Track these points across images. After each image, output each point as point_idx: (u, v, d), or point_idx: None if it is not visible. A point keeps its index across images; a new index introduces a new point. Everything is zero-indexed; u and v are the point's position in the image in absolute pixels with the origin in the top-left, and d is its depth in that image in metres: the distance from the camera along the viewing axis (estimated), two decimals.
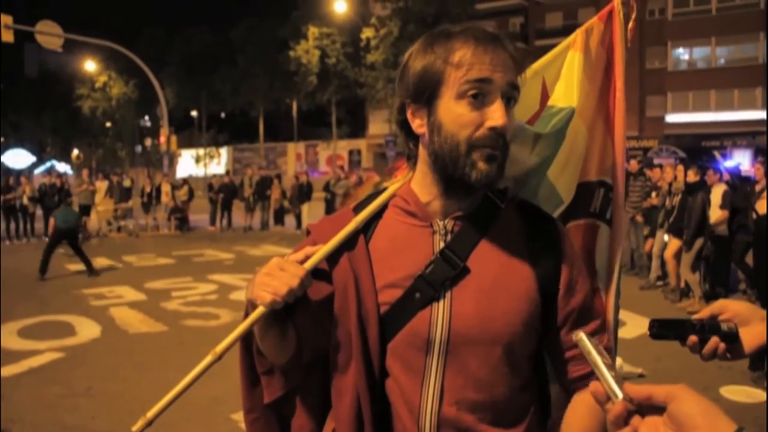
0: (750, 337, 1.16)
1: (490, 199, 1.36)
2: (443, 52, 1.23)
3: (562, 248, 1.37)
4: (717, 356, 1.17)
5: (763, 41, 33.14)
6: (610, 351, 1.74)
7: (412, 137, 1.34)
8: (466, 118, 1.21)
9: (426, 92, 1.25)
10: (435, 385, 1.27)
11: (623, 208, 1.84)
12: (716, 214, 8.79)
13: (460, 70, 1.21)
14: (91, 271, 11.64)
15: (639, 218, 10.86)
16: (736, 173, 10.07)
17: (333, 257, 1.35)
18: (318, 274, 1.33)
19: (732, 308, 1.19)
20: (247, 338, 1.42)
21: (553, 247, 1.36)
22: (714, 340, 1.16)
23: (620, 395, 0.86)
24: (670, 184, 9.91)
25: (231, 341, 1.30)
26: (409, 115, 1.31)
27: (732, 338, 1.16)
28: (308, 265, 1.29)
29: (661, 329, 1.15)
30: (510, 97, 1.25)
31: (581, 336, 0.94)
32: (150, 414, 1.27)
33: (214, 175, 22.27)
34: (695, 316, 1.20)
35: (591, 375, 1.29)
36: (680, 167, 9.91)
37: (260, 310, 1.24)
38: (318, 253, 1.33)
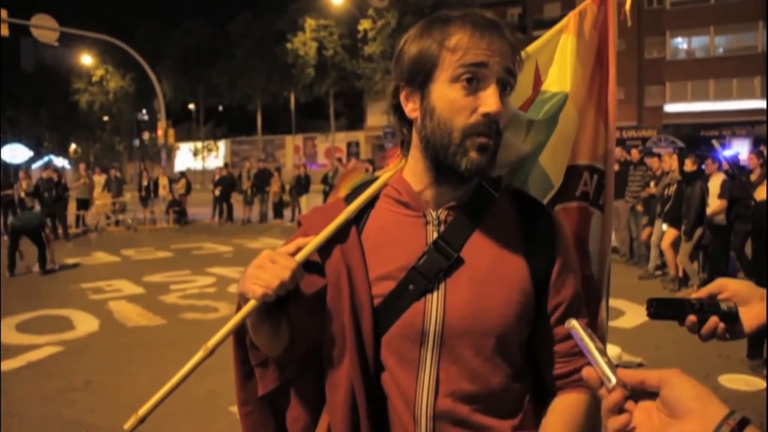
0: (750, 317, 1.14)
1: (484, 189, 1.34)
2: (440, 35, 1.21)
3: (556, 239, 1.36)
4: (716, 336, 1.15)
5: (761, 30, 33.10)
6: (603, 337, 1.75)
7: (406, 122, 1.32)
8: (459, 103, 1.20)
9: (420, 75, 1.23)
10: (430, 377, 1.25)
11: (613, 194, 1.84)
12: (715, 203, 8.77)
13: (456, 54, 1.19)
14: (44, 268, 11.42)
15: (639, 207, 10.85)
16: (734, 162, 10.05)
17: (325, 249, 1.33)
18: (310, 266, 1.31)
19: (732, 287, 1.17)
20: (239, 331, 1.40)
21: (547, 238, 1.35)
22: (713, 319, 1.14)
23: (614, 380, 0.85)
24: (665, 173, 9.93)
25: (223, 336, 1.28)
26: (402, 98, 1.29)
27: (732, 318, 1.14)
28: (299, 257, 1.27)
29: (660, 309, 1.13)
30: (506, 84, 1.23)
31: (574, 323, 0.93)
32: (142, 411, 1.25)
33: (218, 168, 22.25)
34: (694, 296, 1.18)
35: (575, 372, 1.30)
36: (674, 157, 9.92)
37: (252, 303, 1.22)
38: (309, 245, 1.30)
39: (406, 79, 1.27)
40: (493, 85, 1.20)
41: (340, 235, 1.34)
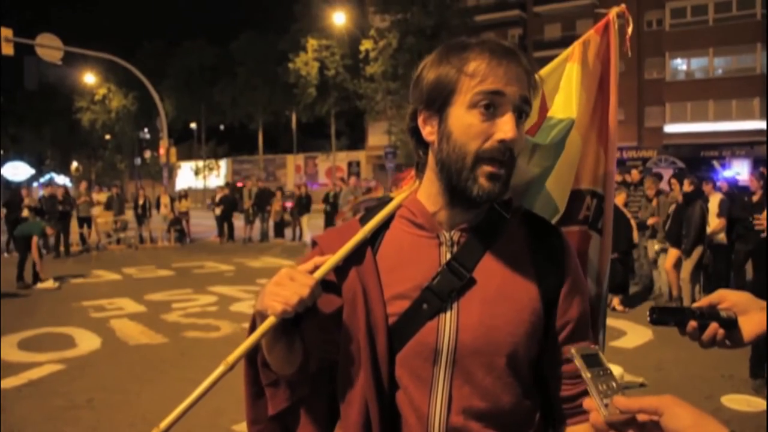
0: (749, 326, 1.18)
1: (496, 211, 1.37)
2: (458, 61, 1.24)
3: (565, 260, 1.38)
4: (716, 343, 1.19)
5: (760, 52, 33.29)
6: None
7: (422, 144, 1.35)
8: (476, 128, 1.22)
9: (439, 99, 1.26)
10: (443, 395, 1.28)
11: (612, 218, 1.88)
12: (714, 222, 8.86)
13: (474, 80, 1.22)
14: (21, 280, 11.82)
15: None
16: (733, 184, 10.13)
17: (341, 268, 1.36)
18: (326, 285, 1.34)
19: (731, 298, 1.21)
20: (251, 351, 1.42)
21: (557, 259, 1.38)
22: (713, 326, 1.17)
23: (605, 413, 0.90)
24: (660, 192, 10.04)
25: (243, 351, 1.31)
26: (420, 122, 1.32)
27: (731, 325, 1.18)
28: (318, 274, 1.30)
29: (662, 315, 1.17)
30: (521, 111, 1.26)
31: (573, 352, 0.98)
32: (163, 425, 1.27)
33: (219, 187, 22.34)
34: (695, 305, 1.22)
35: (583, 394, 1.31)
36: (674, 180, 10.03)
37: (270, 320, 1.24)
38: (327, 263, 1.33)
39: (424, 102, 1.29)
40: (509, 112, 1.22)
41: (355, 255, 1.36)
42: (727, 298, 1.21)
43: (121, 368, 6.72)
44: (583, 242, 1.83)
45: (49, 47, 22.72)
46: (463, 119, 1.23)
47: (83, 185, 19.97)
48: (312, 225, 19.14)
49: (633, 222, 9.80)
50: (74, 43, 24.66)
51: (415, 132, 1.35)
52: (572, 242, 1.77)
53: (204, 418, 5.03)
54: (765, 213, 7.64)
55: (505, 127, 1.21)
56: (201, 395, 1.28)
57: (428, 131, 1.31)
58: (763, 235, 7.39)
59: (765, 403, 5.44)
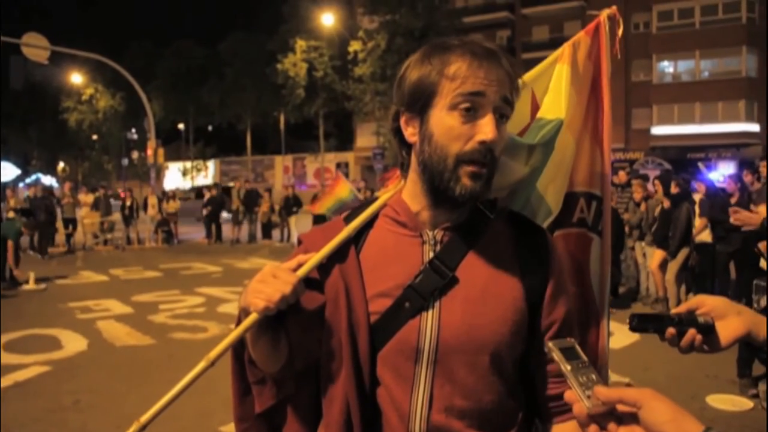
0: (726, 331, 1.20)
1: (480, 210, 1.38)
2: (439, 63, 1.25)
3: (550, 260, 1.39)
4: (695, 348, 1.20)
5: (745, 54, 33.58)
6: (604, 361, 1.77)
7: (405, 145, 1.36)
8: (456, 130, 1.23)
9: (420, 101, 1.27)
10: (424, 393, 1.28)
11: (610, 220, 1.87)
12: (696, 222, 8.95)
13: (455, 83, 1.23)
14: (3, 280, 11.69)
15: (627, 229, 10.92)
16: (710, 186, 10.17)
17: (324, 267, 1.37)
18: (310, 283, 1.35)
19: (708, 303, 1.23)
20: (238, 348, 1.44)
21: (542, 259, 1.38)
22: (691, 332, 1.19)
23: (587, 403, 0.92)
24: (648, 197, 10.11)
25: (224, 347, 1.32)
26: (402, 123, 1.33)
27: (708, 330, 1.20)
28: (301, 272, 1.31)
29: (641, 322, 1.18)
30: (502, 113, 1.27)
31: (551, 345, 1.00)
32: (144, 418, 1.27)
33: (207, 188, 22.25)
34: (673, 311, 1.24)
35: None
36: (657, 182, 10.13)
37: (253, 316, 1.25)
38: (310, 261, 1.34)
39: (406, 104, 1.31)
40: (489, 113, 1.23)
41: (339, 254, 1.37)
42: (705, 304, 1.23)
43: (108, 370, 6.68)
44: (583, 245, 1.81)
45: (35, 46, 22.60)
46: (443, 121, 1.25)
47: (67, 186, 19.88)
48: (300, 226, 19.09)
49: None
50: (61, 43, 24.54)
51: (398, 132, 1.36)
52: (569, 245, 1.77)
53: (192, 419, 5.02)
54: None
55: (485, 128, 1.23)
56: (182, 390, 1.29)
57: (410, 132, 1.32)
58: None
59: (749, 402, 5.50)
